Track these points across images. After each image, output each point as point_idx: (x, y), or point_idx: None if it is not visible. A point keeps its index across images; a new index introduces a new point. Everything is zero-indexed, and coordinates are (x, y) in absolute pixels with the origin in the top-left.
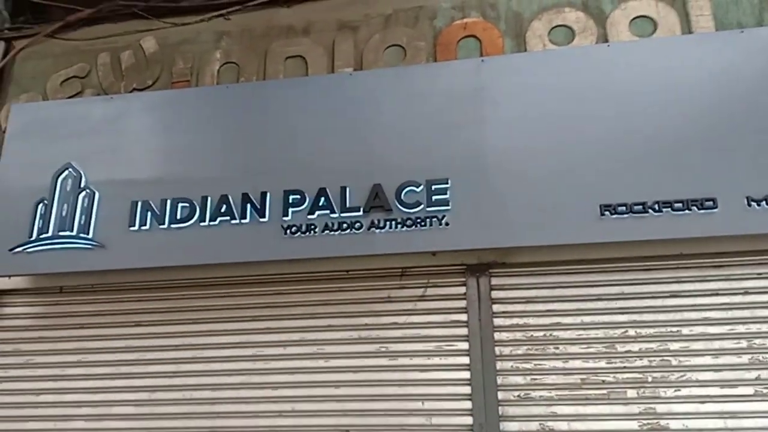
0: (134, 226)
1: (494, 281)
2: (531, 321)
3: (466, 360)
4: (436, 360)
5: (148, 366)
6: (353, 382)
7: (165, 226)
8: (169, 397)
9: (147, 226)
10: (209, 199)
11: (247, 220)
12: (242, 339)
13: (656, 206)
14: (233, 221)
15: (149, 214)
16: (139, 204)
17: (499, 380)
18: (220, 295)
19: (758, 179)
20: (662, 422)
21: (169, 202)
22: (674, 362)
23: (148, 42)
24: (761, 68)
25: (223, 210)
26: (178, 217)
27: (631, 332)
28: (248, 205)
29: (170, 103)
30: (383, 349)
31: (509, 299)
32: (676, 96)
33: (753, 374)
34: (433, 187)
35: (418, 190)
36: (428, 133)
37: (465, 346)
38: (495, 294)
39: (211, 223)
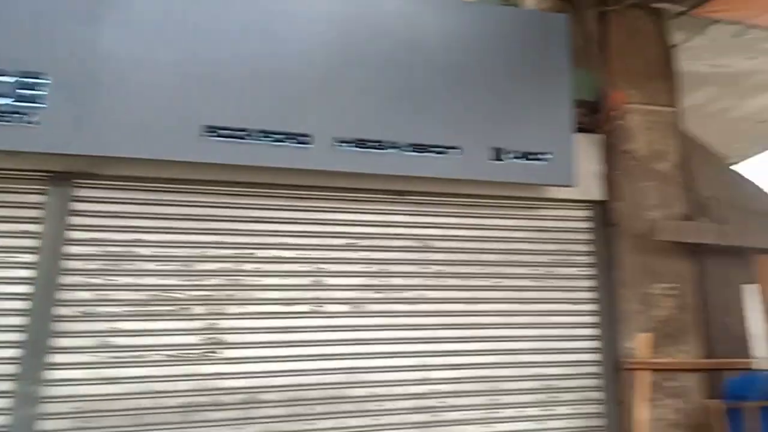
0: None
1: (77, 192)
2: (112, 236)
3: (30, 273)
4: None
5: None
6: None
7: None
8: None
9: None
10: None
11: None
12: None
13: (259, 135)
14: None
15: None
16: None
17: (63, 295)
18: None
19: (346, 123)
20: (221, 336)
21: None
22: (246, 282)
23: None
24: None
25: None
26: None
27: (211, 252)
28: None
29: None
30: None
31: (91, 212)
32: (302, 31)
33: (311, 294)
34: (27, 81)
35: (8, 80)
36: (34, 23)
37: (33, 258)
38: (76, 206)
39: None
